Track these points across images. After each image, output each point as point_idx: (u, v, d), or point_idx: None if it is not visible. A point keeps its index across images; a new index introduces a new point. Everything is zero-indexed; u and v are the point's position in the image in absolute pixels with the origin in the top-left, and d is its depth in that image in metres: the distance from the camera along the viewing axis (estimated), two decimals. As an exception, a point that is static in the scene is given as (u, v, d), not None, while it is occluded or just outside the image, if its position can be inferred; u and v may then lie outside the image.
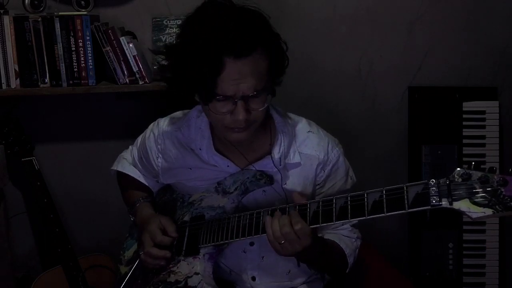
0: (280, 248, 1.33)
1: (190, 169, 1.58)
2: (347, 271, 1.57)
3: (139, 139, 1.74)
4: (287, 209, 1.35)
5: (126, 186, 1.79)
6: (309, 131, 1.56)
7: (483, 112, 2.57)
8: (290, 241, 1.30)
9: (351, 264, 1.57)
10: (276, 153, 1.50)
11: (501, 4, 2.57)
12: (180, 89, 1.40)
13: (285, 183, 1.52)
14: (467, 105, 2.57)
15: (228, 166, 1.53)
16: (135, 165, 1.75)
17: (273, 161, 1.50)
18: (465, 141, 2.57)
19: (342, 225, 1.58)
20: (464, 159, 2.55)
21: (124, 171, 1.76)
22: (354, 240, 1.59)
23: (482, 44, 2.60)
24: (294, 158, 1.52)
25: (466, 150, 2.57)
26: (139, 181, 1.74)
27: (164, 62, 1.42)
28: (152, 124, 1.69)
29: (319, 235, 1.48)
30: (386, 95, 2.63)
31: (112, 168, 1.79)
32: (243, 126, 1.37)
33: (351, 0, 2.51)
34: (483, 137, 2.57)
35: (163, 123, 1.65)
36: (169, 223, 1.55)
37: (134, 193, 1.74)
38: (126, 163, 1.76)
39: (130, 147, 1.79)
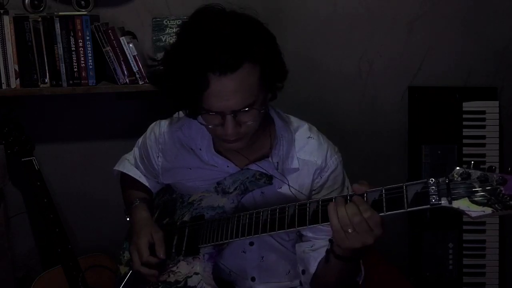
0: (346, 238, 1.21)
1: (190, 169, 1.58)
2: (360, 282, 1.52)
3: (140, 139, 1.74)
4: (287, 208, 1.34)
5: (126, 187, 1.78)
6: (309, 137, 1.54)
7: (483, 112, 2.57)
8: (360, 231, 1.19)
9: (363, 274, 1.51)
10: (275, 157, 1.50)
11: (501, 4, 2.57)
12: (171, 101, 1.41)
13: (281, 187, 1.52)
14: (467, 105, 2.58)
15: (228, 166, 1.54)
16: (136, 166, 1.75)
17: (270, 165, 1.50)
18: (465, 141, 2.57)
19: None
20: (464, 159, 2.55)
21: (125, 171, 1.76)
22: None
23: (482, 44, 2.60)
24: (292, 163, 1.52)
25: (466, 150, 2.57)
26: (139, 182, 1.74)
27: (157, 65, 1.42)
28: (153, 123, 1.69)
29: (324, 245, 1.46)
30: (386, 95, 2.63)
31: (114, 168, 1.80)
32: (234, 138, 1.37)
33: (351, 0, 2.51)
34: (483, 137, 2.57)
35: (164, 122, 1.65)
36: (160, 242, 1.53)
37: (133, 193, 1.73)
38: (128, 164, 1.77)
39: (134, 148, 1.79)
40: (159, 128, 1.64)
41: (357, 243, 1.21)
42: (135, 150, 1.76)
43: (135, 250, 1.54)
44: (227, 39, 1.25)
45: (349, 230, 1.19)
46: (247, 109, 1.31)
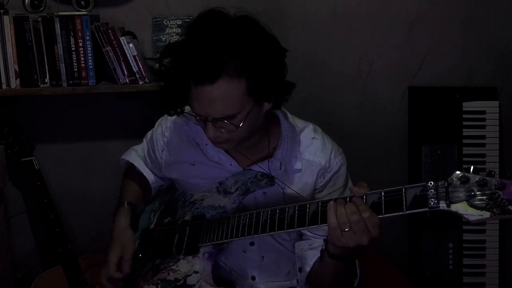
0: (341, 236, 1.22)
1: (193, 165, 1.58)
2: (355, 285, 1.53)
3: (149, 133, 1.75)
4: (287, 209, 1.34)
5: (127, 179, 1.79)
6: (313, 138, 1.55)
7: (483, 112, 2.57)
8: (357, 231, 1.20)
9: (360, 275, 1.52)
10: (278, 157, 1.51)
11: (501, 4, 2.57)
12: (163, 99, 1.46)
13: (284, 187, 1.52)
14: (467, 105, 2.58)
15: (231, 164, 1.54)
16: (143, 159, 1.75)
17: (273, 165, 1.50)
18: (465, 141, 2.57)
19: None
20: (464, 159, 2.55)
21: (130, 161, 1.76)
22: None
23: (482, 44, 2.60)
24: (295, 164, 1.52)
25: (466, 150, 2.57)
26: (141, 176, 1.74)
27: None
28: (161, 118, 1.70)
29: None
30: (386, 95, 2.63)
31: (121, 157, 1.80)
32: (216, 142, 1.41)
33: (351, 0, 2.51)
34: (483, 137, 2.57)
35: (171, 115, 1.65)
36: (127, 258, 1.57)
37: (128, 190, 1.75)
38: (135, 154, 1.77)
39: (143, 140, 1.80)
40: (166, 121, 1.66)
41: (352, 242, 1.22)
42: (144, 143, 1.76)
43: (106, 263, 1.57)
44: (210, 50, 1.27)
45: (346, 229, 1.20)
46: (228, 119, 1.33)
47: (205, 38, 1.29)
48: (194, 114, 1.37)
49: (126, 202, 1.69)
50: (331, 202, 1.24)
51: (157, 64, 1.41)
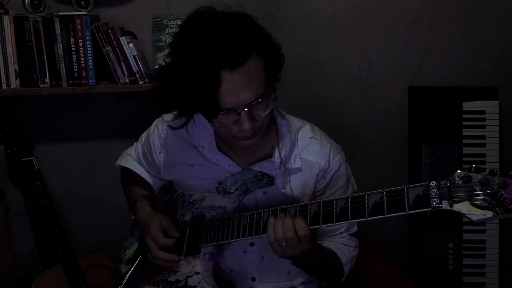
0: (280, 250, 1.33)
1: (192, 166, 1.58)
2: (343, 280, 1.56)
3: (144, 135, 1.73)
4: (288, 209, 1.34)
5: (128, 182, 1.78)
6: (311, 137, 1.55)
7: (483, 112, 2.57)
8: (291, 245, 1.31)
9: (347, 273, 1.56)
10: (277, 157, 1.50)
11: (501, 5, 2.57)
12: (181, 110, 1.41)
13: (284, 188, 1.52)
14: (467, 105, 2.58)
15: (229, 165, 1.54)
16: (139, 162, 1.74)
17: (273, 165, 1.50)
18: (465, 141, 2.57)
19: (341, 233, 1.57)
20: (464, 159, 2.56)
21: (127, 166, 1.75)
22: (352, 249, 1.58)
23: (482, 44, 2.61)
24: (295, 163, 1.52)
25: (466, 150, 2.57)
26: (141, 177, 1.73)
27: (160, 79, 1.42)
28: (157, 119, 1.69)
29: (318, 241, 1.47)
30: (386, 95, 2.63)
31: (116, 163, 1.79)
32: (251, 134, 1.37)
33: (351, 0, 2.51)
34: (483, 137, 2.57)
35: (167, 118, 1.64)
36: (170, 224, 1.54)
37: (135, 190, 1.73)
38: (130, 159, 1.76)
39: (135, 143, 1.79)
40: (163, 123, 1.64)
41: (289, 254, 1.34)
42: (138, 146, 1.75)
43: (150, 239, 1.54)
44: (230, 34, 1.27)
45: (283, 244, 1.31)
46: (259, 100, 1.32)
47: (219, 26, 1.29)
48: (225, 110, 1.31)
49: (140, 197, 1.68)
50: (271, 218, 1.33)
51: (166, 77, 1.37)
